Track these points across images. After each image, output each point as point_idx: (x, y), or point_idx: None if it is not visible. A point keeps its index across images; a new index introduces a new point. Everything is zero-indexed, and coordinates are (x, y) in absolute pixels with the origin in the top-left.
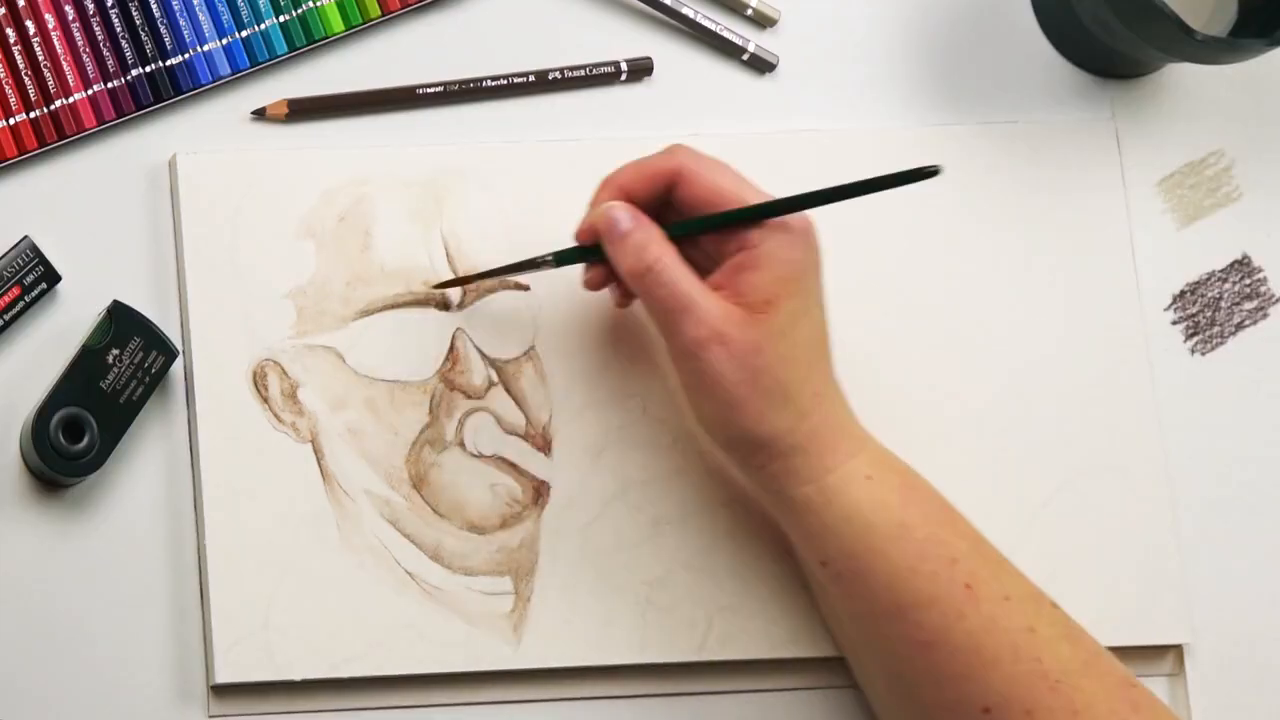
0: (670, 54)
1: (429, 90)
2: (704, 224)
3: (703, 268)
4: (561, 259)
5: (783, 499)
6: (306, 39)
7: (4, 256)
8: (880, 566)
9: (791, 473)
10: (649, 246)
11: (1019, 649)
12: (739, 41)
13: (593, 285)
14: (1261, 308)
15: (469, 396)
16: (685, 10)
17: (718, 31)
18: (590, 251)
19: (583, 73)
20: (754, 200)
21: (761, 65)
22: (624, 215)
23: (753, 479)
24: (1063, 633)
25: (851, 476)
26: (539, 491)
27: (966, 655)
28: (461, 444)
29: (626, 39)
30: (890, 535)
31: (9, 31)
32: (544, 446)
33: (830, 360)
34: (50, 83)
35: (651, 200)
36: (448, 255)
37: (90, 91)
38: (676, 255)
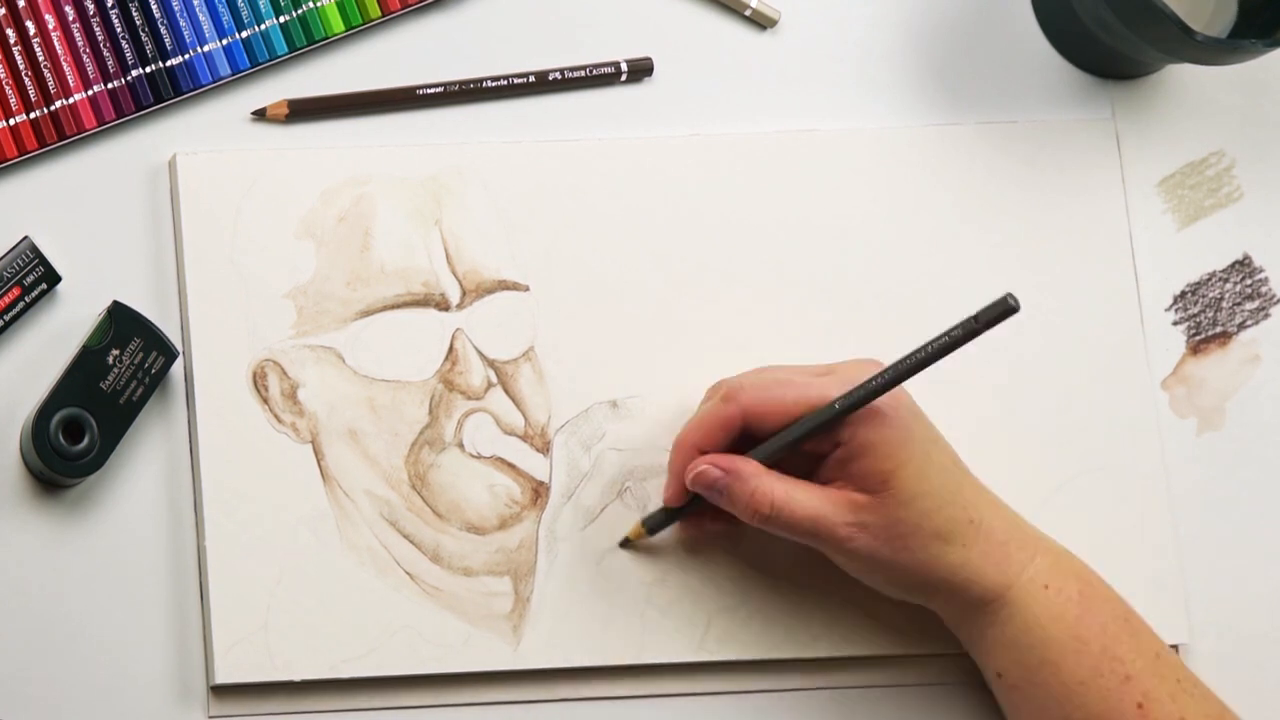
0: (670, 53)
1: (429, 90)
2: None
3: (804, 465)
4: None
5: (965, 620)
6: (306, 39)
7: (4, 256)
8: (1053, 680)
9: (973, 600)
10: (757, 492)
11: None
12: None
13: (694, 533)
14: (1263, 308)
15: (468, 397)
16: None
17: None
18: (680, 510)
19: (583, 73)
20: (829, 394)
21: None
22: (719, 472)
23: (939, 611)
24: None
25: (1030, 587)
26: (538, 492)
27: None
28: (460, 444)
29: (626, 39)
30: (1065, 648)
31: (9, 31)
32: (543, 447)
33: (972, 481)
34: (50, 83)
35: (728, 445)
36: (447, 255)
37: (90, 92)
38: (784, 482)
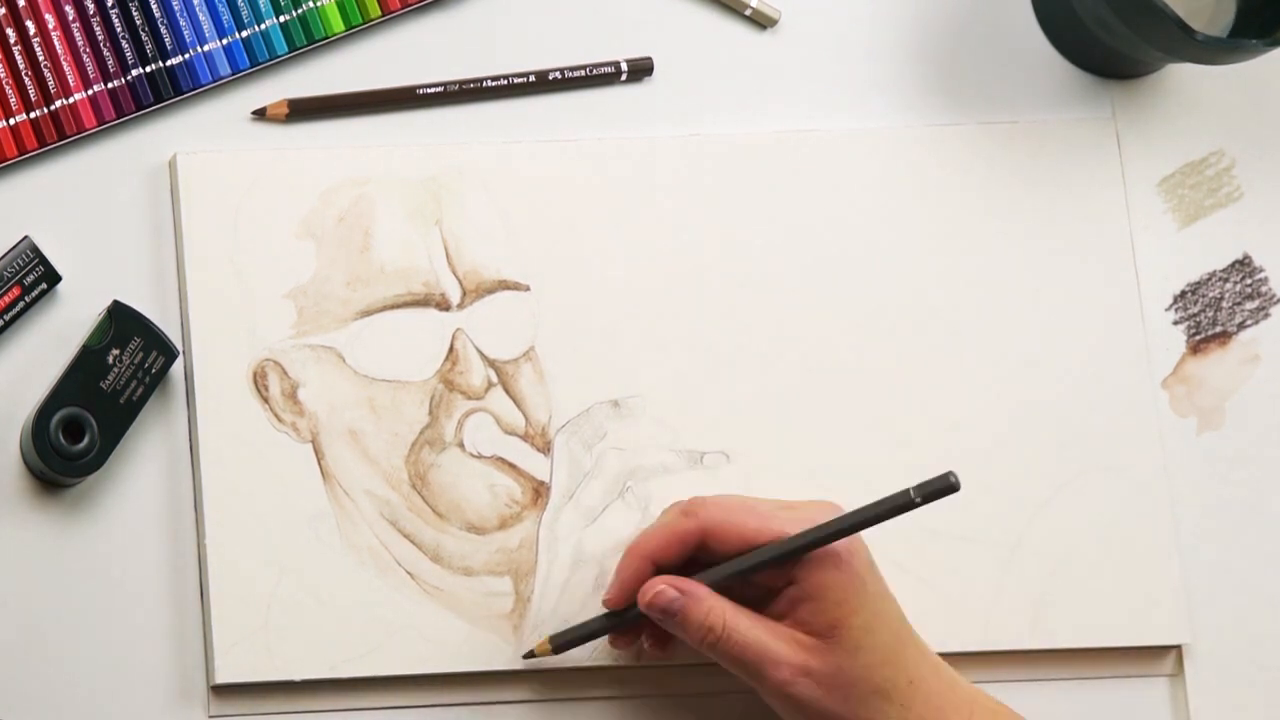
0: (670, 53)
1: (429, 90)
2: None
3: (754, 596)
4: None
5: None
6: (306, 39)
7: (4, 256)
8: None
9: None
10: (709, 616)
11: None
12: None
13: (623, 646)
14: (1263, 307)
15: (468, 397)
16: None
17: None
18: (615, 617)
19: (583, 73)
20: (789, 530)
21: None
22: (674, 594)
23: None
24: None
25: None
26: (538, 492)
27: None
28: (461, 444)
29: (626, 39)
30: None
31: (9, 31)
32: (543, 447)
33: (916, 642)
34: (50, 83)
35: (681, 561)
36: (447, 255)
37: (90, 91)
38: (735, 610)
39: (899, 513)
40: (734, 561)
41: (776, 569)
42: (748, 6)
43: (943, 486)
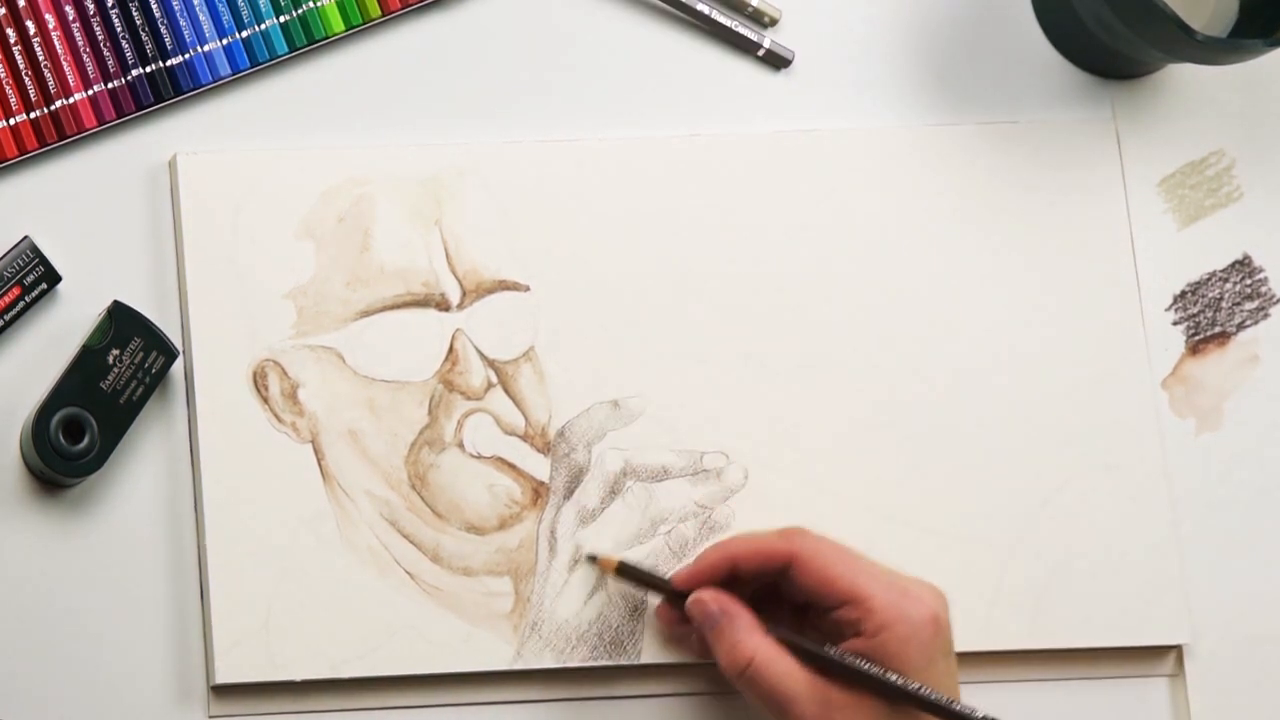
0: (672, 54)
1: None
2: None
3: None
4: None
5: None
6: (306, 39)
7: (4, 256)
8: None
9: None
10: (742, 644)
11: None
12: (754, 37)
13: (666, 620)
14: (1262, 308)
15: (468, 397)
16: (700, 6)
17: (733, 27)
18: (679, 595)
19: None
20: (868, 589)
21: (777, 61)
22: (717, 609)
23: None
24: None
25: None
26: (538, 492)
27: None
28: (460, 445)
29: (630, 39)
30: None
31: (9, 31)
32: (543, 447)
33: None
34: (50, 83)
35: (760, 576)
36: (447, 255)
37: (90, 91)
38: (773, 648)
39: None
40: (811, 641)
41: (850, 608)
42: (748, 6)
43: None
